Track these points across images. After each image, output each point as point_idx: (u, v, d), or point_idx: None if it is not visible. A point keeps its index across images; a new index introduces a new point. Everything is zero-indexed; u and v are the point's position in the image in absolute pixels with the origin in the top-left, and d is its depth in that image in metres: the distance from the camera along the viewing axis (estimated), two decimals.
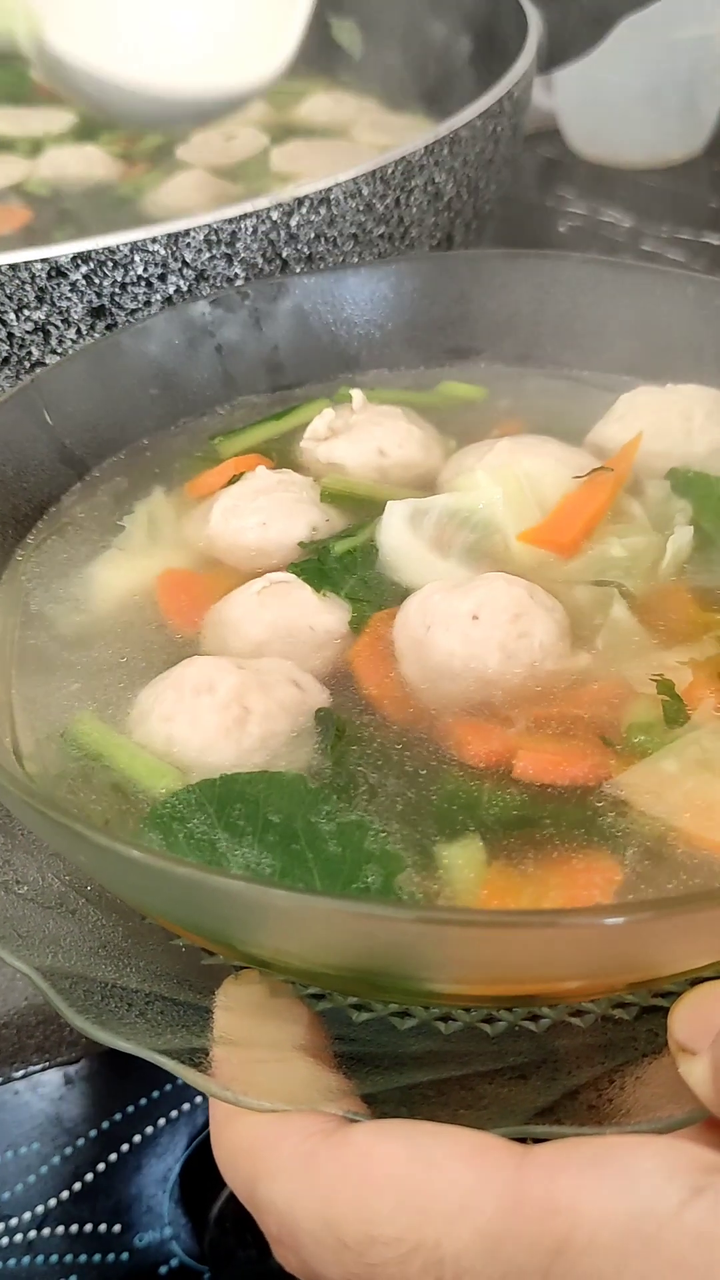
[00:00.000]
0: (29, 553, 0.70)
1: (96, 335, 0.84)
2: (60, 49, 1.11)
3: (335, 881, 0.48)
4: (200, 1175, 0.78)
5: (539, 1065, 0.47)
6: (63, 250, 0.79)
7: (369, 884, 0.48)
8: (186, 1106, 0.79)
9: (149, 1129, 0.79)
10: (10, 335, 0.83)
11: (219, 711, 0.55)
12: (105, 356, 0.77)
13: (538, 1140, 0.40)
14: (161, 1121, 0.79)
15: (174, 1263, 0.76)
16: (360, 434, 0.75)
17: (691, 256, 1.46)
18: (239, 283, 0.85)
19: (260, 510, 0.69)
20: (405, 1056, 0.48)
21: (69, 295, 0.81)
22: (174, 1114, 0.79)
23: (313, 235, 0.86)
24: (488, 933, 0.40)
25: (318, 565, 0.65)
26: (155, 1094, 0.79)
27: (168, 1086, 0.80)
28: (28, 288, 0.80)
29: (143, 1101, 0.79)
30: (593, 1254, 0.35)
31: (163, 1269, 0.76)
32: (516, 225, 1.57)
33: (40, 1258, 0.75)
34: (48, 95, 1.43)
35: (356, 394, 0.78)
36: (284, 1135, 0.42)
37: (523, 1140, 0.40)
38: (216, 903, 0.43)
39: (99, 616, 0.66)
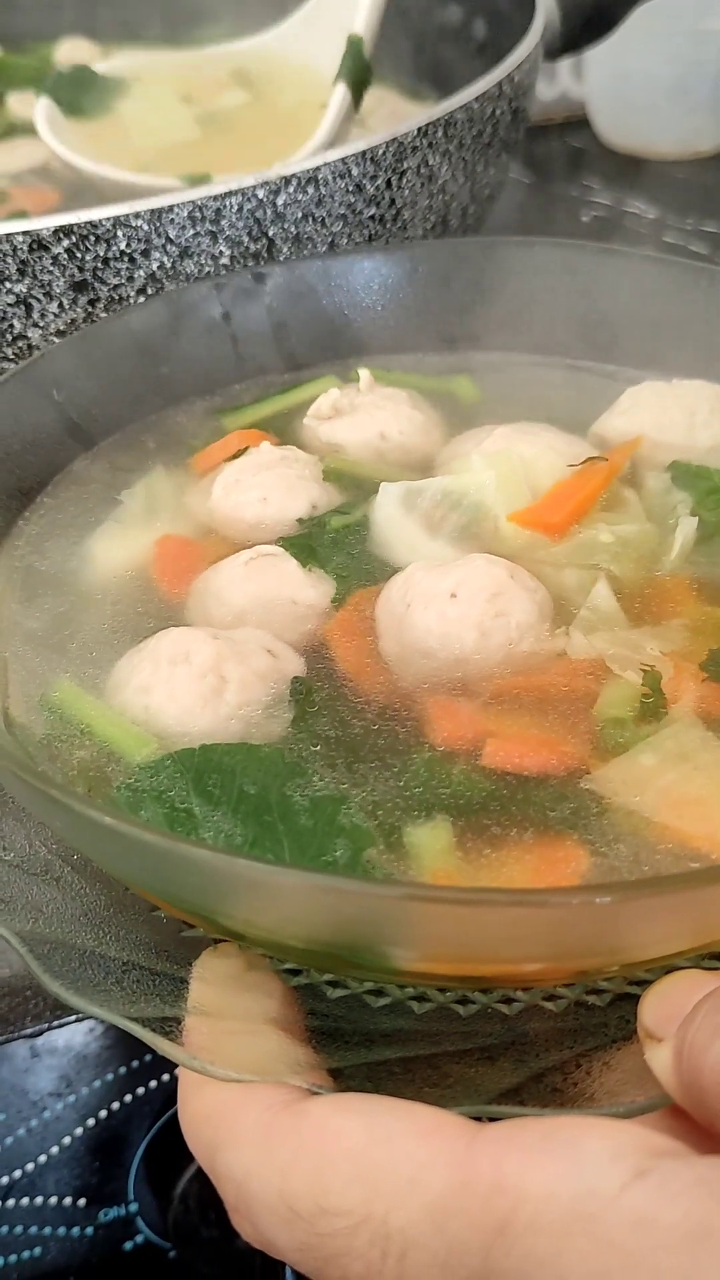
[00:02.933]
0: (31, 522, 0.71)
1: (79, 310, 0.84)
2: None
3: (304, 854, 0.49)
4: (166, 1153, 0.79)
5: (508, 1047, 0.48)
6: (44, 223, 0.79)
7: (337, 858, 0.49)
8: (153, 1084, 0.80)
9: (115, 1105, 0.79)
10: None
11: (196, 681, 0.56)
12: (115, 333, 0.77)
13: (496, 1119, 0.40)
14: (128, 1098, 0.79)
15: (139, 1239, 0.76)
16: (363, 416, 0.76)
17: (715, 249, 1.45)
18: (224, 261, 0.85)
19: (261, 485, 0.69)
20: (376, 1033, 0.48)
21: (51, 269, 0.81)
22: (140, 1091, 0.79)
23: (300, 215, 0.86)
24: (440, 909, 0.40)
25: (307, 540, 0.66)
26: (122, 1070, 0.79)
27: (134, 1063, 0.80)
28: (9, 260, 0.80)
29: (109, 1077, 0.80)
30: (533, 1233, 0.35)
31: (127, 1245, 0.76)
32: (539, 213, 1.56)
33: (4, 1229, 0.75)
34: None
35: (364, 374, 0.78)
36: (246, 1105, 0.42)
37: (480, 1120, 0.40)
38: (180, 870, 0.43)
39: (93, 586, 0.67)
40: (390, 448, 0.75)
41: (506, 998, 0.50)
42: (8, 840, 0.55)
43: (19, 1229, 0.75)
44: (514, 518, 0.66)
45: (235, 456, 0.73)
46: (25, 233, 0.79)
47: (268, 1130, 0.41)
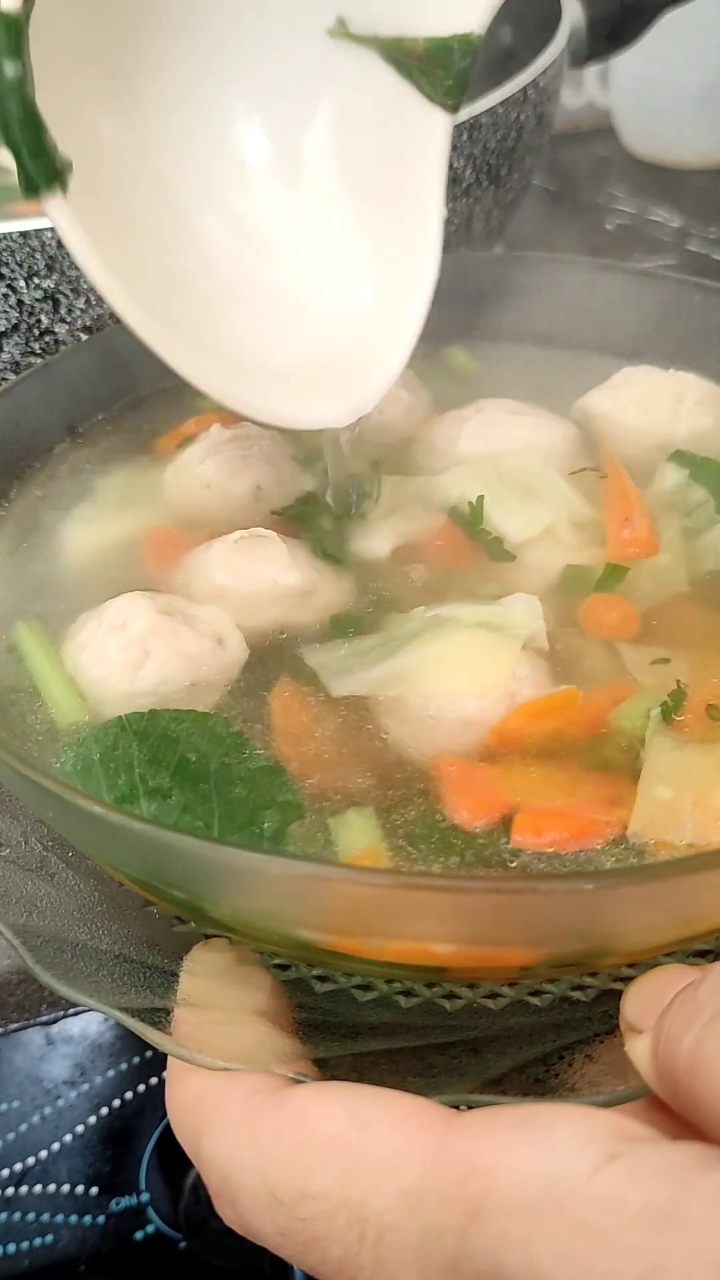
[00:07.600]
0: (13, 503, 0.73)
1: (106, 306, 0.84)
2: None
3: (233, 824, 0.49)
4: (178, 1144, 0.79)
5: (492, 1040, 0.48)
6: None
7: (264, 830, 0.49)
8: (166, 1074, 0.80)
9: (129, 1094, 0.79)
10: (20, 303, 0.84)
11: (121, 651, 0.57)
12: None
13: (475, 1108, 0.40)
14: (141, 1088, 0.80)
15: (150, 1229, 0.76)
16: None
17: None
18: None
19: (204, 471, 0.71)
20: (362, 1026, 0.49)
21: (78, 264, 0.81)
22: (154, 1080, 0.80)
23: None
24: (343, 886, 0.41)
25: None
26: (135, 1060, 0.80)
27: (148, 1053, 0.80)
28: (38, 255, 0.81)
29: (123, 1066, 0.80)
30: (505, 1215, 0.35)
31: (138, 1234, 0.76)
32: (563, 221, 1.56)
33: (17, 1215, 0.75)
34: None
35: None
36: (230, 1092, 0.43)
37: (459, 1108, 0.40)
38: (111, 837, 0.45)
39: (69, 567, 0.69)
40: (370, 426, 0.72)
41: (492, 993, 0.50)
42: (3, 836, 0.56)
43: (30, 1216, 0.75)
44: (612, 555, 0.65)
45: (185, 444, 0.74)
46: (54, 228, 0.79)
47: (250, 1116, 0.42)
